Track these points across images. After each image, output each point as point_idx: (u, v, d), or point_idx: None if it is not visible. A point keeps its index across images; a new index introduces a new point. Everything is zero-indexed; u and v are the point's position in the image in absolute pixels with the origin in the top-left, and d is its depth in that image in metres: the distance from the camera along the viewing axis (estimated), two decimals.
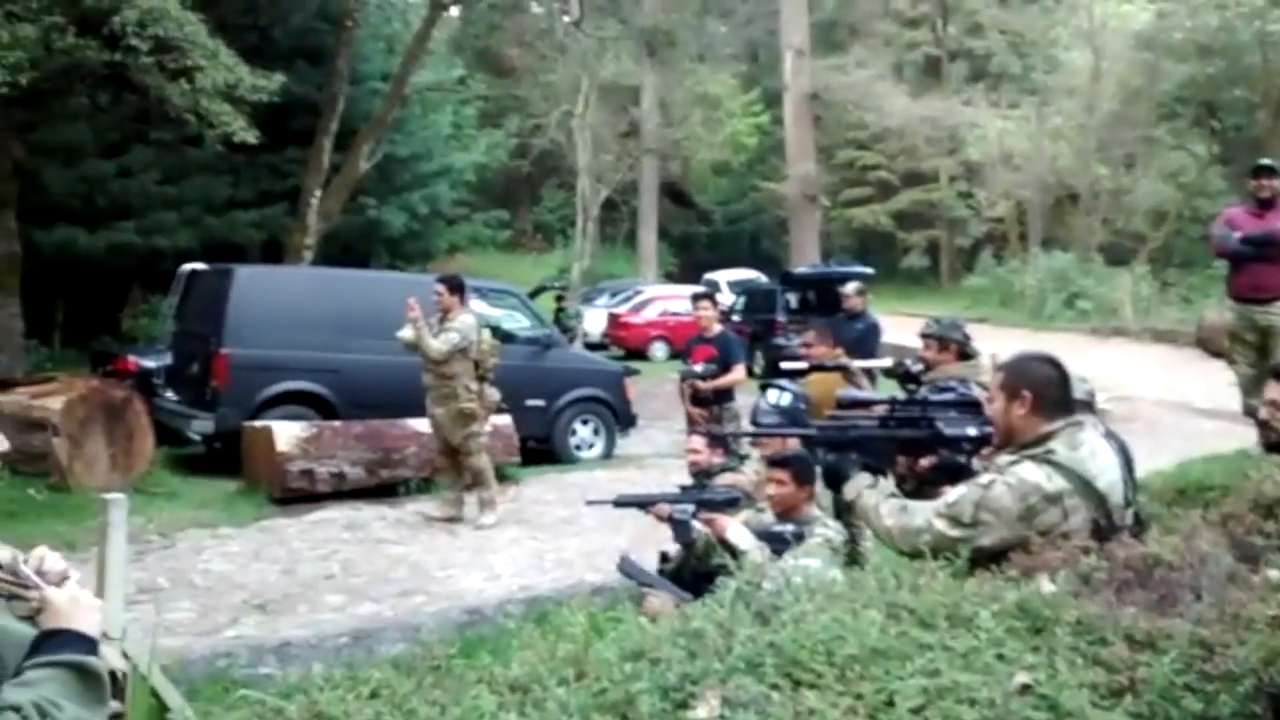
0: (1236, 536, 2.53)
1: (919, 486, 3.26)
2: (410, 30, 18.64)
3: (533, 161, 31.99)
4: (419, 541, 7.90)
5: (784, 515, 4.38)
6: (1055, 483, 2.78)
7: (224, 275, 10.55)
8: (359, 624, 6.03)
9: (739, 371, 8.43)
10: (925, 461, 3.26)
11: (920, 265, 38.11)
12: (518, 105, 31.42)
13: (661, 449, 11.56)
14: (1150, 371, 16.93)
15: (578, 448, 11.46)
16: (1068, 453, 2.83)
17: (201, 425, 9.92)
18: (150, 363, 11.43)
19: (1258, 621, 1.95)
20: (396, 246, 19.74)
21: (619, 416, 11.70)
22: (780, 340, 16.65)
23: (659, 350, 21.96)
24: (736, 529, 4.33)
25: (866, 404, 3.54)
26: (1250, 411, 7.27)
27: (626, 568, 4.84)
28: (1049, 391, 2.93)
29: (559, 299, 21.68)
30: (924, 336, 5.67)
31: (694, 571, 4.67)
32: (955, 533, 2.79)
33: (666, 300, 23.04)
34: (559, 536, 8.06)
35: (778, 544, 4.21)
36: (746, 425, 6.25)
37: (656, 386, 13.84)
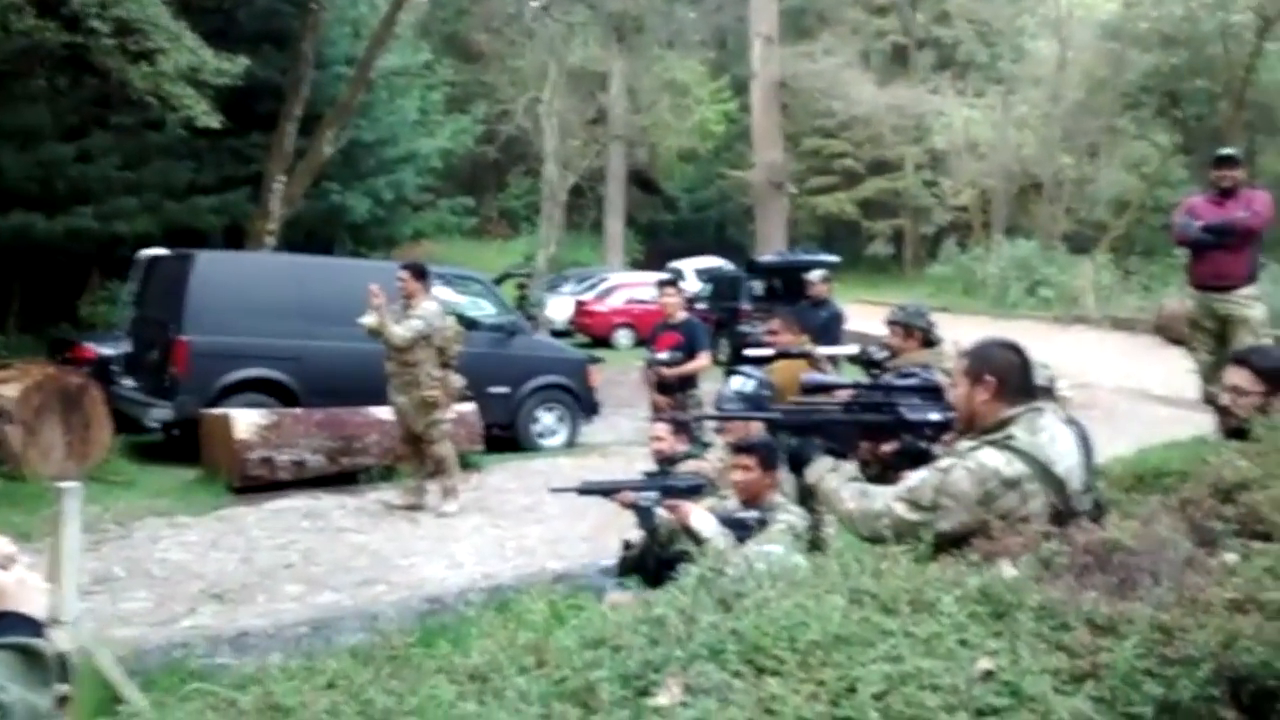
0: (1195, 521, 2.54)
1: (882, 471, 3.26)
2: (376, 14, 18.46)
3: (499, 147, 31.82)
4: (380, 530, 7.84)
5: (749, 502, 4.37)
6: (1014, 468, 2.79)
7: (184, 261, 10.41)
8: (318, 613, 5.98)
9: (703, 359, 8.42)
10: (888, 446, 3.26)
11: (884, 253, 38.34)
12: (485, 91, 31.24)
13: (625, 436, 11.56)
14: (1110, 359, 17.11)
15: (541, 435, 11.43)
16: (1027, 438, 2.83)
17: (160, 413, 9.80)
18: (108, 350, 11.27)
19: (1216, 605, 1.96)
20: (360, 232, 19.57)
21: (582, 404, 11.68)
22: (745, 328, 16.69)
23: (624, 337, 21.97)
24: (700, 515, 4.31)
25: (830, 389, 3.53)
26: (1209, 398, 7.35)
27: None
28: (1011, 377, 2.94)
29: (520, 286, 21.57)
30: (890, 324, 5.70)
31: (657, 558, 4.66)
32: (914, 517, 2.80)
33: (631, 288, 23.03)
34: (521, 524, 8.03)
35: (742, 530, 4.20)
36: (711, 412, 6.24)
37: (621, 374, 13.84)
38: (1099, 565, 2.23)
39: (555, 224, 25.62)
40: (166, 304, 10.21)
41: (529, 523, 8.05)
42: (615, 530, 5.40)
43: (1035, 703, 1.68)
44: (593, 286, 24.02)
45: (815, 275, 9.79)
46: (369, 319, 8.01)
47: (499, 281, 16.50)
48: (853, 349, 6.52)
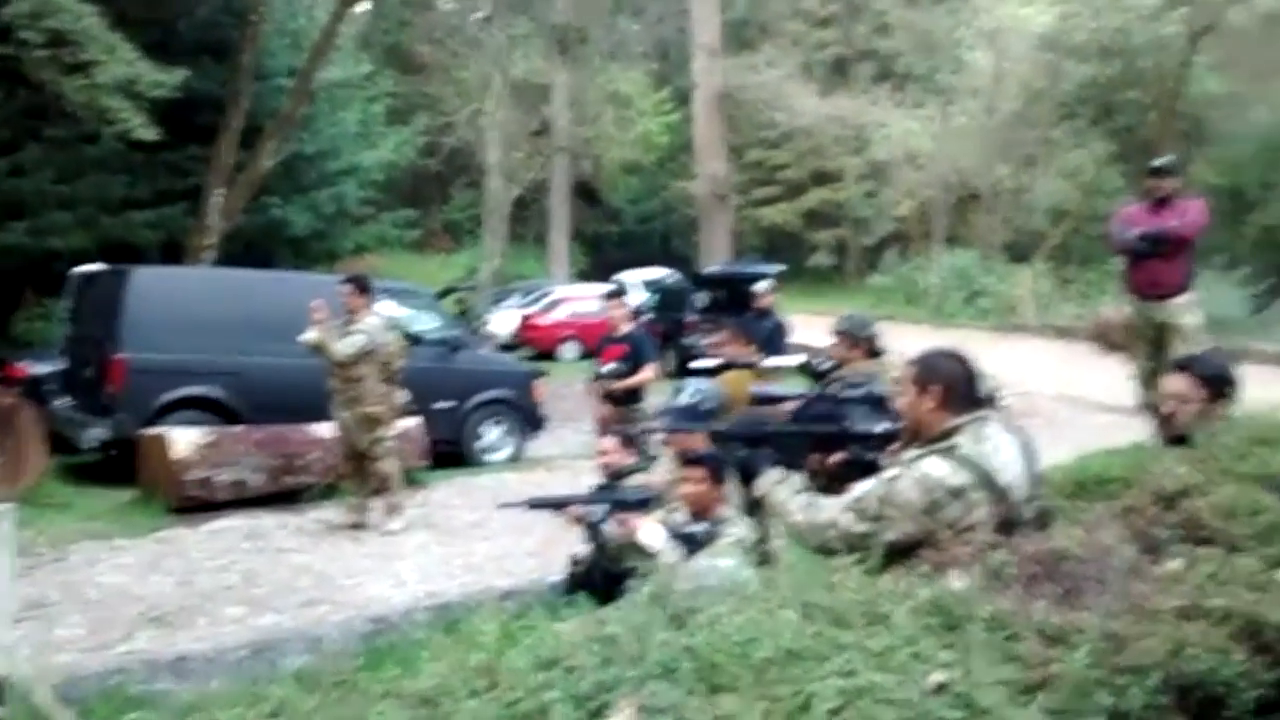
0: (1139, 528, 2.57)
1: (828, 482, 3.26)
2: (317, 25, 18.32)
3: (442, 160, 31.61)
4: (323, 549, 7.72)
5: (698, 515, 4.36)
6: (959, 477, 2.80)
7: (120, 277, 10.23)
8: (260, 636, 5.87)
9: (650, 371, 8.41)
10: (837, 457, 3.27)
11: (827, 264, 38.63)
12: (427, 102, 31.06)
13: (571, 450, 11.50)
14: (1049, 366, 17.33)
15: (486, 450, 11.35)
16: (972, 447, 2.85)
17: (96, 432, 9.61)
18: (42, 368, 11.03)
19: (1163, 613, 1.98)
20: (301, 246, 19.37)
21: (528, 418, 11.63)
22: (691, 339, 16.72)
23: (569, 351, 21.90)
24: (650, 530, 4.30)
25: (780, 400, 3.54)
26: (1148, 405, 7.49)
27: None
28: (957, 387, 2.96)
29: (459, 301, 21.36)
30: (834, 334, 5.73)
31: (605, 573, 4.64)
32: (861, 527, 2.81)
33: (576, 300, 22.96)
34: (467, 541, 7.95)
35: (691, 544, 4.19)
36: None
37: (566, 387, 13.79)
38: (1047, 574, 2.24)
39: (499, 237, 25.50)
40: (102, 321, 10.02)
41: (475, 539, 7.97)
42: (562, 545, 5.35)
43: (989, 715, 1.68)
44: (537, 300, 23.90)
45: (762, 286, 9.83)
46: (311, 335, 7.89)
47: (442, 296, 16.39)
48: (799, 359, 6.55)
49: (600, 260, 36.10)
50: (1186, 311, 7.21)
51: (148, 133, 11.54)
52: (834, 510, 2.91)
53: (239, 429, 9.31)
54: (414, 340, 10.13)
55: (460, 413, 11.10)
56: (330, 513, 8.55)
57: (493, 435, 11.43)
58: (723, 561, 3.87)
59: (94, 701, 4.72)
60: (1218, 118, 28.43)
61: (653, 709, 1.68)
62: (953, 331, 21.69)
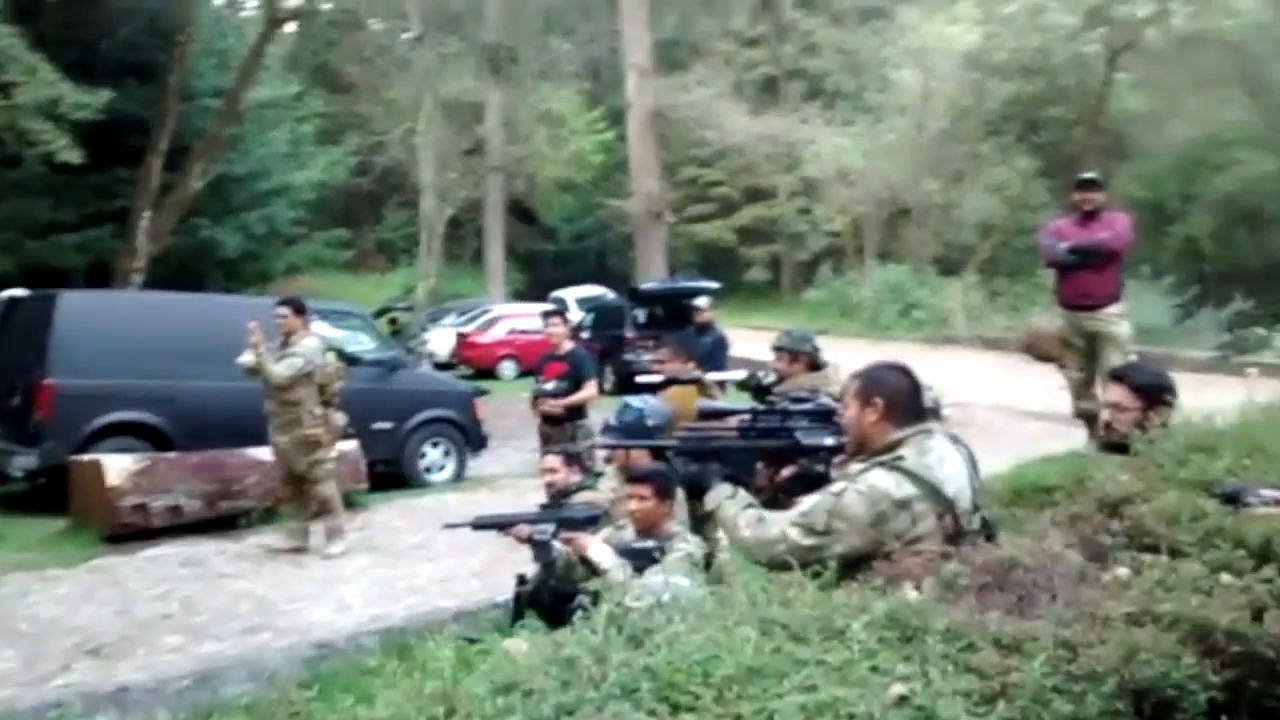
0: (1085, 536, 2.61)
1: (774, 496, 3.27)
2: (244, 45, 18.13)
3: (374, 179, 31.39)
4: (263, 575, 7.58)
5: (645, 531, 4.35)
6: (904, 489, 2.82)
7: (46, 301, 10.01)
8: (201, 665, 5.73)
9: (590, 388, 8.39)
10: (786, 471, 3.28)
11: (762, 279, 38.88)
12: (358, 122, 30.83)
13: (514, 469, 11.43)
14: (982, 377, 17.58)
15: (428, 470, 11.24)
16: (917, 459, 2.87)
17: (24, 461, 9.37)
18: None
19: (1114, 620, 2.01)
20: (233, 268, 19.12)
21: (470, 437, 11.54)
22: (630, 356, 16.74)
23: (508, 369, 21.82)
24: (598, 547, 4.28)
25: (726, 414, 3.54)
26: (1081, 413, 7.63)
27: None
28: (900, 399, 2.98)
29: (392, 322, 21.08)
30: (775, 349, 5.76)
31: (553, 592, 4.62)
32: (809, 541, 2.82)
33: (514, 318, 22.90)
34: (411, 563, 7.85)
35: (639, 561, 4.18)
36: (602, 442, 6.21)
37: (507, 405, 13.71)
38: (998, 584, 2.27)
39: (434, 256, 25.41)
40: (28, 347, 9.78)
41: (419, 561, 7.87)
42: (508, 565, 5.31)
43: None
44: (475, 318, 23.80)
45: (703, 301, 9.91)
46: (247, 357, 7.77)
47: (378, 316, 16.22)
48: (741, 374, 6.57)
49: (536, 278, 36.03)
50: (1117, 322, 7.35)
51: (71, 155, 11.34)
52: (782, 525, 2.91)
53: (173, 455, 9.12)
54: (351, 361, 10.01)
55: (400, 433, 10.98)
56: (270, 538, 8.40)
57: (434, 455, 11.32)
58: (679, 580, 3.86)
59: None
60: (1139, 133, 29.21)
61: None
62: (888, 345, 21.94)
